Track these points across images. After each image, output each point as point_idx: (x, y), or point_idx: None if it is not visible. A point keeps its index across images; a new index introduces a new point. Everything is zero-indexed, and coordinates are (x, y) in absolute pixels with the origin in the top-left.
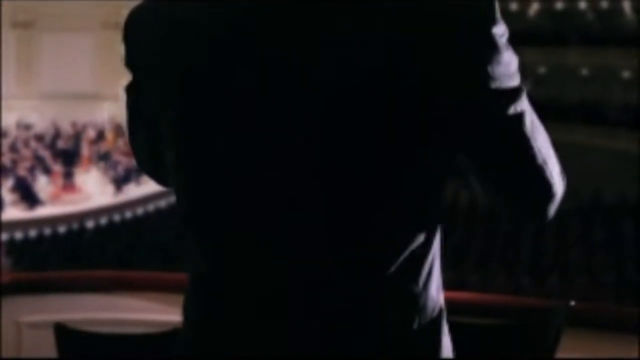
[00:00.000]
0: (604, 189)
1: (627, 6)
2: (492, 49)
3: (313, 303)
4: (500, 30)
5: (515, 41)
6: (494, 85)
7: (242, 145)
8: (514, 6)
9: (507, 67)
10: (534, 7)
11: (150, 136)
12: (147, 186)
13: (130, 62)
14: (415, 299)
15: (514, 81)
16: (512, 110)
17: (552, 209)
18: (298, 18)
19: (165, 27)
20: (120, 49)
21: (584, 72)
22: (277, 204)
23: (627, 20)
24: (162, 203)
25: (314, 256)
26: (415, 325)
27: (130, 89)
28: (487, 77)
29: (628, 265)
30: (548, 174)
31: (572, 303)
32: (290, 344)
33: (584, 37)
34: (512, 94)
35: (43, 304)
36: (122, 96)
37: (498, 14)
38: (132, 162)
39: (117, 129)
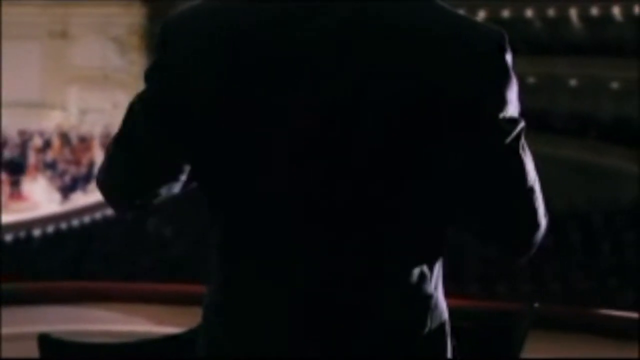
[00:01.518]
0: (551, 197)
1: (574, 14)
2: (508, 76)
3: (326, 306)
4: (510, 58)
5: None
6: (505, 108)
7: (265, 147)
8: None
9: (514, 95)
10: (480, 16)
11: (151, 153)
12: (95, 194)
13: (168, 63)
14: (428, 300)
15: (517, 108)
16: (513, 135)
17: (537, 239)
18: (344, 43)
19: (211, 30)
20: (70, 57)
21: (531, 80)
22: (292, 206)
23: (575, 28)
24: (110, 211)
25: (331, 259)
26: (427, 326)
27: (148, 97)
28: (505, 102)
29: (575, 273)
30: (535, 200)
31: (536, 305)
32: (295, 345)
33: (531, 45)
34: (516, 120)
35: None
36: (69, 104)
37: (509, 48)
38: (79, 170)
39: (64, 138)
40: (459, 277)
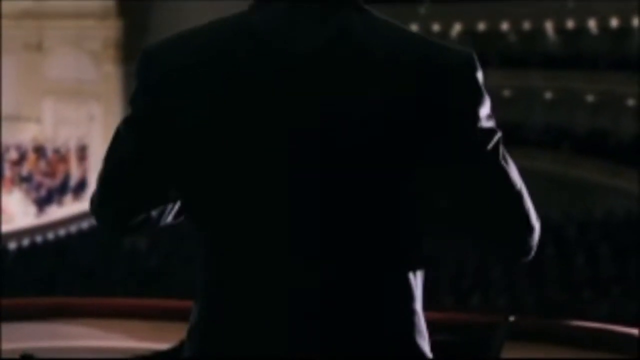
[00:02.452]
0: None
1: (549, 27)
2: (479, 95)
3: (314, 310)
4: (481, 77)
5: None
6: (480, 124)
7: (254, 162)
8: (436, 26)
9: (487, 110)
10: (456, 29)
11: (143, 166)
12: (69, 207)
13: (151, 88)
14: (412, 309)
15: (492, 122)
16: (491, 144)
17: (533, 242)
18: (324, 65)
19: (190, 59)
20: (45, 70)
21: (506, 93)
22: (282, 217)
23: (550, 41)
24: (85, 224)
25: (317, 269)
26: (410, 334)
27: (135, 120)
28: (477, 117)
29: (549, 285)
30: (524, 203)
31: (512, 318)
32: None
33: (506, 58)
34: (492, 133)
35: None
36: (44, 117)
37: (479, 67)
38: (54, 183)
39: (39, 150)
40: (433, 290)
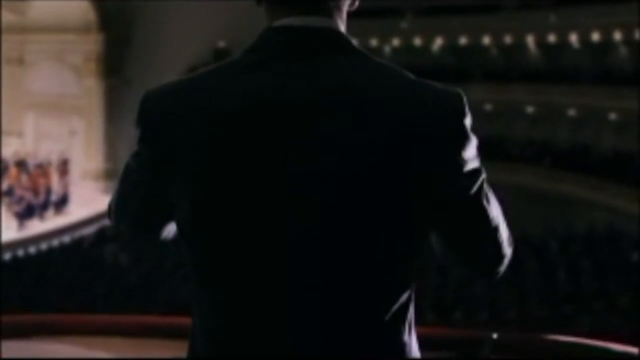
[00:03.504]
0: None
1: (531, 42)
2: (465, 138)
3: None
4: (469, 121)
5: (418, 76)
6: (464, 167)
7: (249, 207)
8: (417, 41)
9: (473, 152)
10: (437, 43)
11: (149, 200)
12: (51, 222)
13: (149, 136)
14: (406, 339)
15: (476, 163)
16: (475, 187)
17: (502, 267)
18: (313, 108)
19: (187, 106)
20: (27, 84)
21: (488, 107)
22: (281, 254)
23: (531, 55)
24: (66, 238)
25: (316, 301)
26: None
27: (140, 158)
28: (461, 160)
29: (531, 300)
30: (499, 237)
31: (495, 336)
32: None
33: (487, 72)
34: (476, 174)
35: None
36: (26, 131)
37: (467, 109)
38: (36, 198)
39: (21, 165)
40: (415, 305)
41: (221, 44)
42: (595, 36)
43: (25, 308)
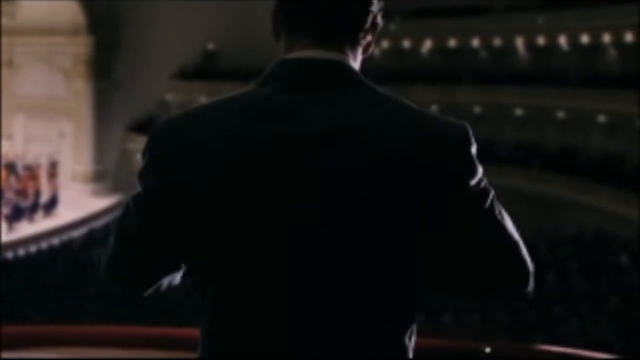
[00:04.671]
0: None
1: (520, 44)
2: (471, 167)
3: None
4: (475, 149)
5: (407, 79)
6: (473, 191)
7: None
8: (406, 43)
9: (480, 176)
10: (427, 45)
11: (153, 239)
12: (40, 224)
13: (160, 165)
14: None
15: (484, 184)
16: (486, 205)
17: (530, 284)
18: (324, 146)
19: (200, 139)
20: (16, 86)
21: (477, 109)
22: (284, 293)
23: (521, 58)
24: (55, 241)
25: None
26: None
27: (143, 198)
28: (470, 188)
29: (520, 303)
30: (521, 252)
31: (488, 350)
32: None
33: (476, 75)
34: (485, 194)
35: None
36: (15, 133)
37: (472, 139)
38: (25, 200)
39: (10, 167)
40: None
41: (210, 46)
42: (584, 38)
43: (13, 310)
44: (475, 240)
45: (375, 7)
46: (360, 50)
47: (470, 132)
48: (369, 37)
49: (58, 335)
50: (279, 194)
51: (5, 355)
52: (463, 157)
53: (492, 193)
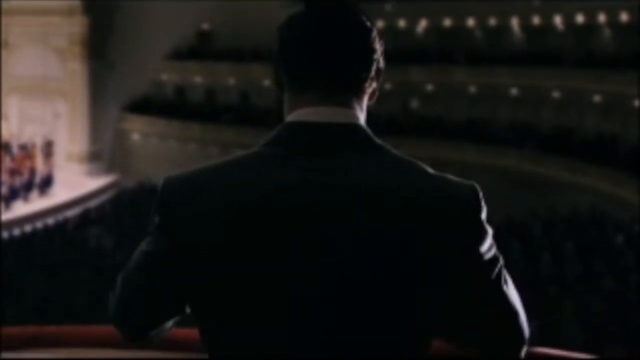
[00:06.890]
0: (490, 207)
1: (515, 24)
2: (481, 232)
3: None
4: (485, 214)
5: (402, 59)
6: (482, 258)
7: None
8: (401, 23)
9: (489, 242)
10: (422, 25)
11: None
12: (35, 204)
13: (170, 225)
14: None
15: (493, 251)
16: (494, 274)
17: (523, 350)
18: (333, 211)
19: (209, 201)
20: (10, 67)
21: (472, 90)
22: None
23: (516, 38)
24: (50, 220)
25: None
26: None
27: (152, 254)
28: (478, 254)
29: (515, 283)
30: (520, 321)
31: None
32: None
33: (471, 55)
34: (494, 262)
35: None
36: (9, 114)
37: (483, 202)
38: (20, 179)
39: (5, 147)
40: None
41: (205, 26)
42: (579, 19)
43: (7, 291)
44: (476, 307)
45: (378, 54)
46: (366, 99)
47: (481, 195)
48: (374, 85)
49: (58, 335)
50: (286, 261)
51: (5, 355)
52: (473, 221)
53: (501, 261)
